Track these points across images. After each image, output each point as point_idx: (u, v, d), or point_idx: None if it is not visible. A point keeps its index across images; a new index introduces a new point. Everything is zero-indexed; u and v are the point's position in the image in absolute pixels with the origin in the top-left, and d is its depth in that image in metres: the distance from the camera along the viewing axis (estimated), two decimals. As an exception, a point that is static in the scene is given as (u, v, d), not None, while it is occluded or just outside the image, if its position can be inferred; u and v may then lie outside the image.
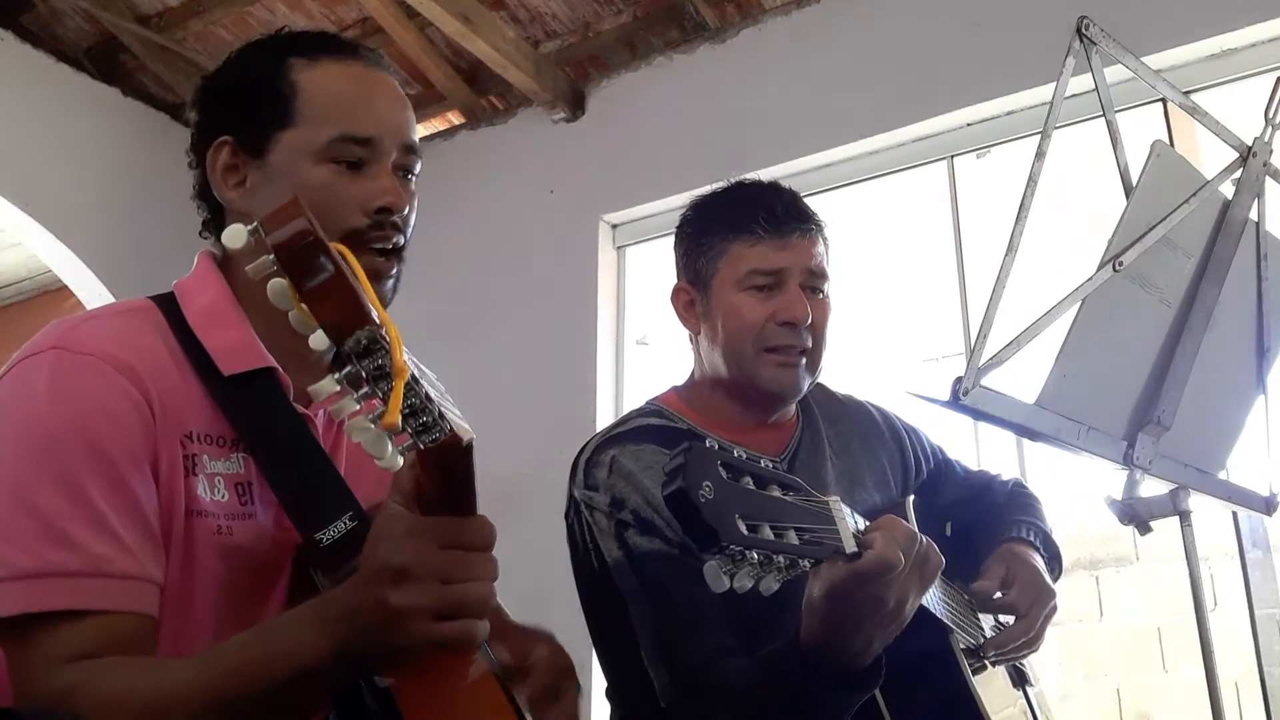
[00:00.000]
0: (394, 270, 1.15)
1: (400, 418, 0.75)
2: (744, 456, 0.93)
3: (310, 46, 1.17)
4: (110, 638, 0.95)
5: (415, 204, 1.19)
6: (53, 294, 5.46)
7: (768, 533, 0.91)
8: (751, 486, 0.92)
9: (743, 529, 0.88)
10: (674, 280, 1.64)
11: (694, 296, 1.58)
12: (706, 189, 1.63)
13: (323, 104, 1.13)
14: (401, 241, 1.16)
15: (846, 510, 1.04)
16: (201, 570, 1.04)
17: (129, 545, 0.98)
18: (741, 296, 1.51)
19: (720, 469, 0.90)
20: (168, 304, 1.13)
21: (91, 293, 4.09)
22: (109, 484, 0.98)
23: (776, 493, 0.95)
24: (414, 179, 1.20)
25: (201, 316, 1.11)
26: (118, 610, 0.96)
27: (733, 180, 1.62)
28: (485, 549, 0.89)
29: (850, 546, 1.01)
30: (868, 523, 1.08)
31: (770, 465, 0.96)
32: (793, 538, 0.94)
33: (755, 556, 0.90)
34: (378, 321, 0.76)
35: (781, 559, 0.92)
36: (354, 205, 1.11)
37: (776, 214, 1.51)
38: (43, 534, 0.94)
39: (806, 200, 1.60)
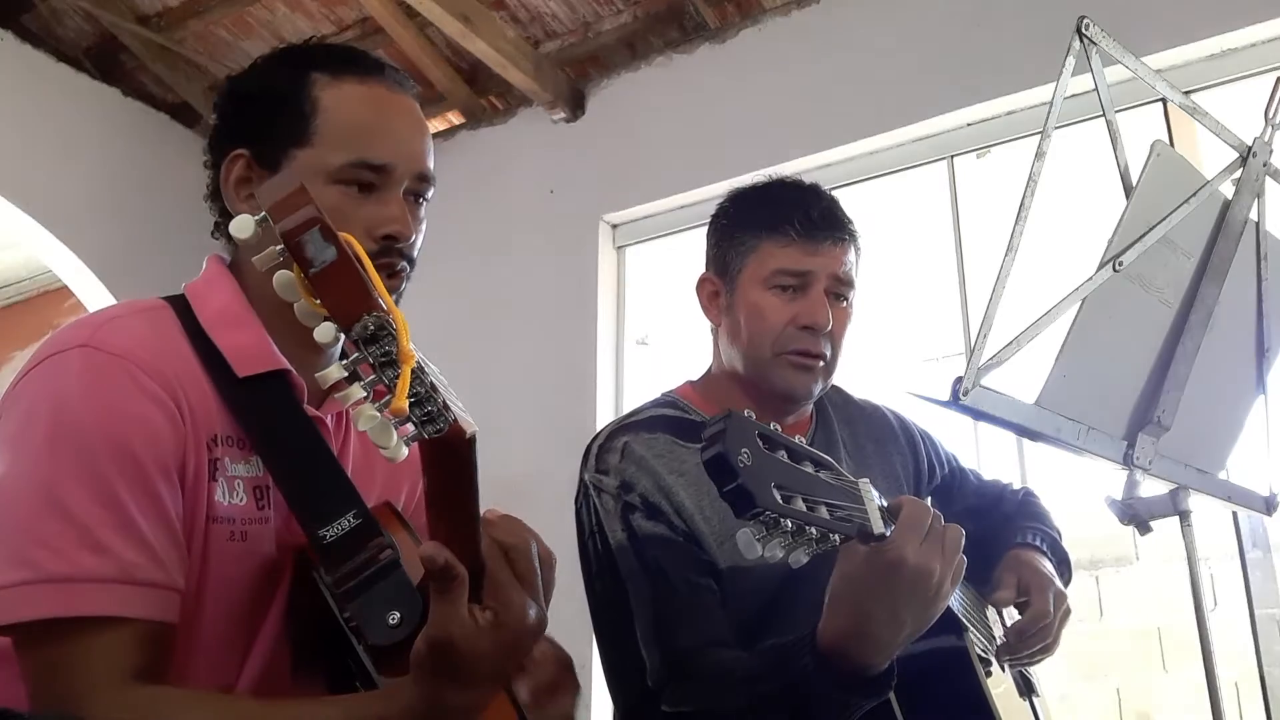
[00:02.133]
0: (397, 289, 1.16)
1: (407, 406, 0.75)
2: (779, 430, 0.94)
3: (335, 62, 1.16)
4: (137, 646, 0.95)
5: (423, 229, 1.20)
6: (53, 294, 5.46)
7: (800, 504, 0.92)
8: (786, 459, 0.93)
9: (778, 497, 0.90)
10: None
11: (719, 288, 1.58)
12: (747, 180, 1.63)
13: (341, 127, 1.13)
14: (407, 269, 1.17)
15: (875, 493, 1.05)
16: (214, 577, 1.04)
17: (158, 553, 0.98)
18: (766, 296, 1.51)
19: (758, 439, 0.91)
20: (180, 306, 1.12)
21: (91, 293, 4.09)
22: (140, 490, 0.97)
23: (809, 468, 0.96)
24: (424, 204, 1.20)
25: (215, 318, 1.11)
26: (145, 619, 0.96)
27: (774, 176, 1.62)
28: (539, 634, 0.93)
29: (878, 527, 1.01)
30: None
31: (803, 441, 0.97)
32: (824, 512, 0.95)
33: (789, 525, 0.90)
34: (385, 309, 0.76)
35: (813, 530, 0.93)
36: (361, 229, 1.11)
37: (813, 218, 1.51)
38: (76, 538, 0.94)
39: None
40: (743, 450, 0.88)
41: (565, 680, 1.13)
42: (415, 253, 1.18)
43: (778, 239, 1.51)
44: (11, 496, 0.96)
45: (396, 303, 1.15)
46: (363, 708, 0.92)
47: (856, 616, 1.09)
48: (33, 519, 0.94)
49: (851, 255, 1.55)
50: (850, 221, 1.57)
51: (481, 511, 0.90)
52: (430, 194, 1.21)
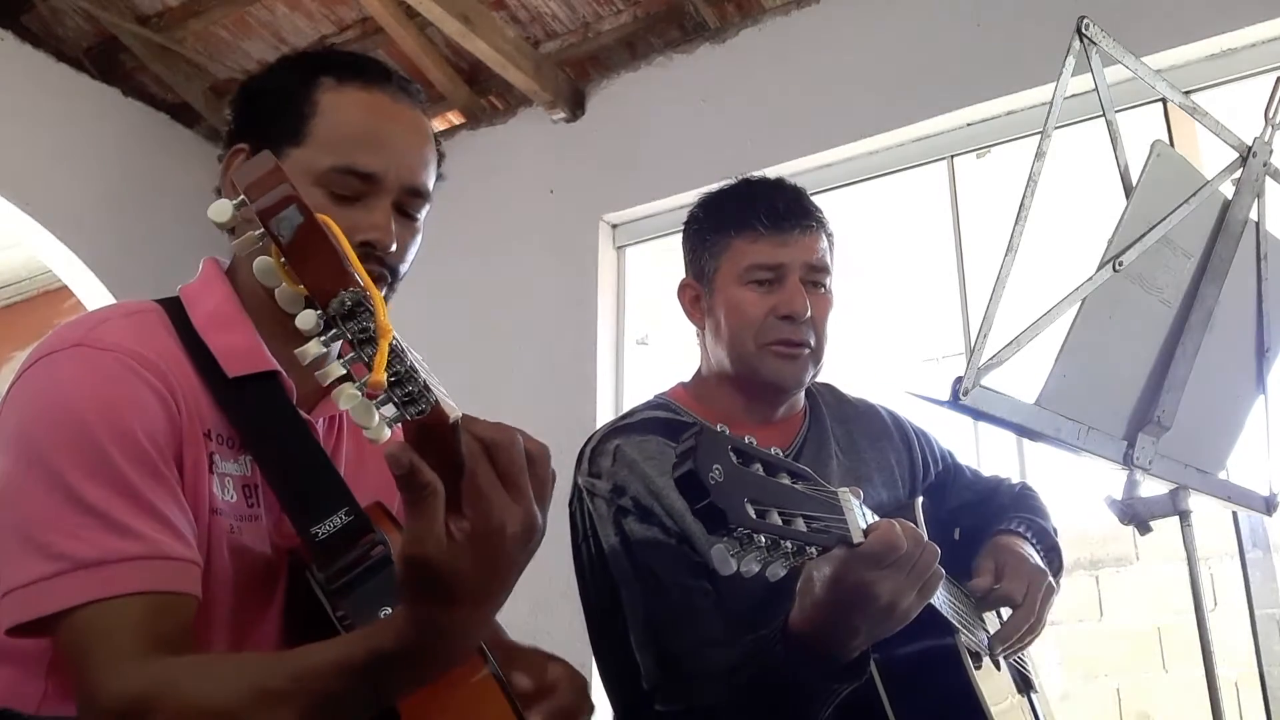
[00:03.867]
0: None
1: (385, 379, 0.74)
2: (754, 443, 0.94)
3: (343, 68, 1.17)
4: (171, 618, 0.95)
5: (415, 243, 1.19)
6: (53, 294, 5.46)
7: (776, 518, 0.92)
8: (761, 473, 0.93)
9: (751, 513, 0.89)
10: (681, 275, 1.66)
11: (699, 292, 1.61)
12: (715, 186, 1.65)
13: (334, 131, 1.13)
14: (387, 276, 1.15)
15: (856, 502, 1.05)
16: (217, 569, 1.04)
17: (178, 529, 0.98)
18: (743, 292, 1.53)
19: (730, 454, 0.91)
20: (173, 307, 1.13)
21: (91, 293, 4.09)
22: (149, 474, 0.98)
23: (786, 480, 0.96)
24: (418, 220, 1.19)
25: (207, 320, 1.11)
26: (177, 591, 0.96)
27: (740, 177, 1.65)
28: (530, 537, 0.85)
29: (857, 537, 1.02)
30: (876, 516, 1.09)
31: (780, 454, 0.97)
32: (800, 525, 0.95)
33: (763, 541, 0.91)
34: (361, 284, 0.76)
35: (789, 544, 0.93)
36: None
37: (779, 210, 1.53)
38: (97, 524, 0.94)
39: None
40: (714, 467, 0.88)
41: (581, 705, 1.13)
42: (400, 265, 1.17)
43: (748, 235, 1.54)
44: (25, 495, 0.97)
45: None
46: (359, 643, 0.89)
47: (816, 613, 1.12)
48: (52, 514, 0.95)
49: (823, 243, 1.57)
50: (818, 210, 1.59)
51: None
52: (423, 210, 1.19)
